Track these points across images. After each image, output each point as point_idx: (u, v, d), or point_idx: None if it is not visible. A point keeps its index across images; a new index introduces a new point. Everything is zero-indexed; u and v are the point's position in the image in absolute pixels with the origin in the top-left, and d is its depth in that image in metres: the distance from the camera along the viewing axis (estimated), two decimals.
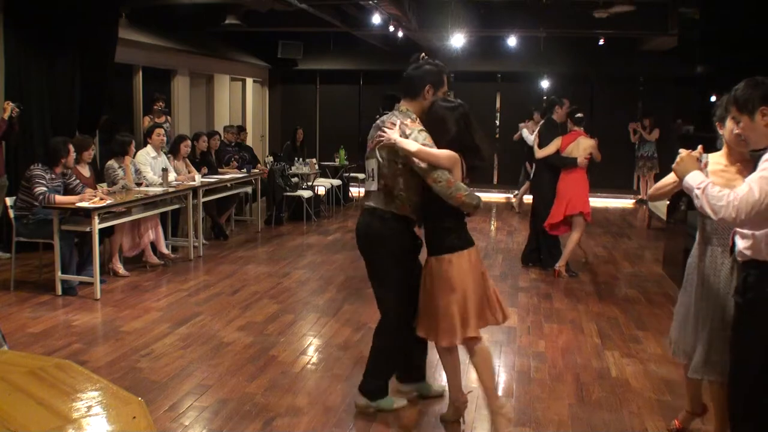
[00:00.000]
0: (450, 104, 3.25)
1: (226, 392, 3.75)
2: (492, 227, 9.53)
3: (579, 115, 6.63)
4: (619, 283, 6.45)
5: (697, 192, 2.48)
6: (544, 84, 13.14)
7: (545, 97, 7.06)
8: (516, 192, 12.41)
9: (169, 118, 8.86)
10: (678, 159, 2.63)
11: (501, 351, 4.51)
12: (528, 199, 12.14)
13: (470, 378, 3.91)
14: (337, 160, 10.84)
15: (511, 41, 10.76)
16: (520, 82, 13.14)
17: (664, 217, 7.96)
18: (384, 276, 3.41)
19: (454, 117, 3.20)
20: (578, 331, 4.96)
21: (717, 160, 2.90)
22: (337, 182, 10.49)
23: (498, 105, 13.41)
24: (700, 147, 2.68)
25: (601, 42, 10.98)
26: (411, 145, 3.12)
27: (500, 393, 3.84)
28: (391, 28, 9.47)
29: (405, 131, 3.21)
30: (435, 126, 3.23)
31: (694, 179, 2.53)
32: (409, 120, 3.26)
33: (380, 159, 3.29)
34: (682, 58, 7.62)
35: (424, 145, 3.14)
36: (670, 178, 2.99)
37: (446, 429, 3.41)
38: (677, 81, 11.32)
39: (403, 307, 3.39)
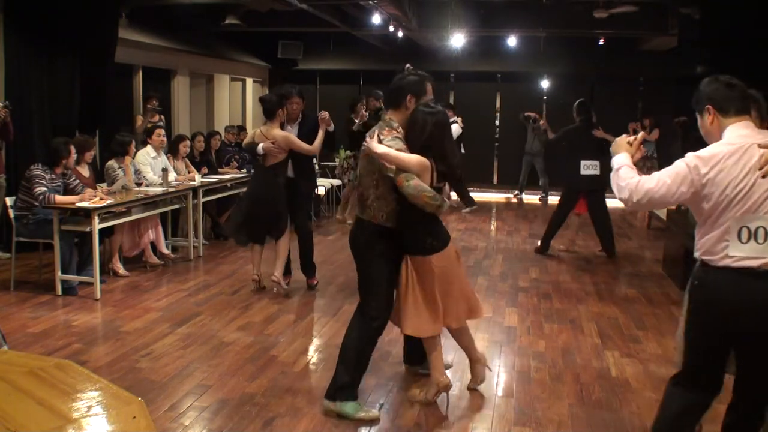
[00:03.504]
0: (429, 110, 3.38)
1: (226, 392, 3.75)
2: (492, 227, 9.53)
3: None
4: (619, 283, 6.45)
5: (614, 171, 2.64)
6: (544, 84, 13.15)
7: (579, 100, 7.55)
8: (516, 192, 12.44)
9: (162, 117, 8.85)
10: (614, 142, 2.77)
11: (501, 351, 4.52)
12: (527, 198, 12.20)
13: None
14: (337, 160, 10.82)
15: (511, 41, 10.75)
16: (520, 82, 13.14)
17: (664, 217, 7.95)
18: (363, 277, 3.55)
19: (431, 121, 3.33)
20: (578, 331, 4.96)
21: None
22: (337, 182, 10.48)
23: (498, 105, 13.41)
24: (641, 133, 2.85)
25: (601, 42, 10.98)
26: (379, 147, 3.28)
27: (500, 393, 3.86)
28: (391, 28, 9.47)
29: (381, 139, 3.36)
30: (411, 129, 3.37)
31: (617, 160, 2.67)
32: (386, 129, 3.41)
33: (360, 168, 3.49)
34: (682, 58, 7.63)
35: (398, 150, 3.30)
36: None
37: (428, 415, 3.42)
38: (677, 81, 11.33)
39: (385, 310, 3.51)
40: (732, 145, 2.45)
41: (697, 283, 2.60)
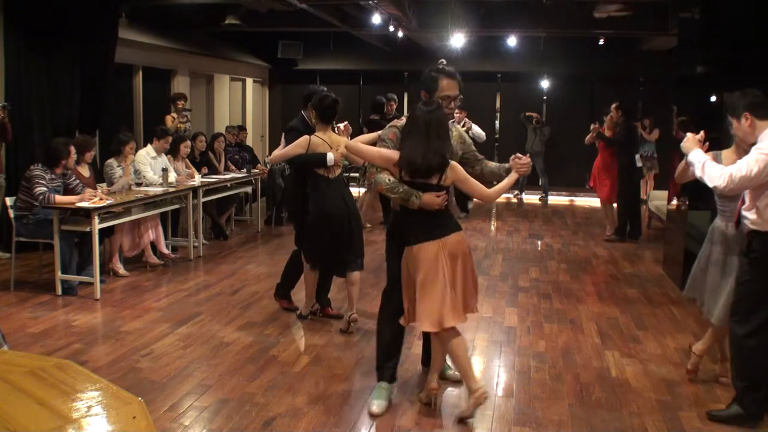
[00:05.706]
0: (427, 108, 3.45)
1: (226, 392, 3.75)
2: (492, 227, 9.53)
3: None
4: (619, 283, 6.45)
5: (699, 165, 3.35)
6: (544, 84, 13.15)
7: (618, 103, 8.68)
8: (516, 192, 12.42)
9: (188, 116, 8.93)
10: (685, 139, 3.49)
11: (501, 351, 4.52)
12: (527, 198, 12.20)
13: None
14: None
15: (511, 41, 10.75)
16: (520, 82, 13.14)
17: (664, 217, 7.96)
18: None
19: (422, 118, 3.40)
20: (578, 331, 4.96)
21: (728, 155, 3.59)
22: None
23: (498, 105, 13.40)
24: (702, 132, 3.48)
25: (601, 42, 10.97)
26: (349, 143, 3.73)
27: (500, 393, 3.86)
28: (391, 28, 9.46)
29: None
30: (411, 125, 3.44)
31: (696, 156, 3.40)
32: (400, 120, 3.59)
33: None
34: (682, 58, 7.64)
35: (382, 139, 3.55)
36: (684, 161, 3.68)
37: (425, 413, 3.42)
38: (677, 81, 11.32)
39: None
40: None
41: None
